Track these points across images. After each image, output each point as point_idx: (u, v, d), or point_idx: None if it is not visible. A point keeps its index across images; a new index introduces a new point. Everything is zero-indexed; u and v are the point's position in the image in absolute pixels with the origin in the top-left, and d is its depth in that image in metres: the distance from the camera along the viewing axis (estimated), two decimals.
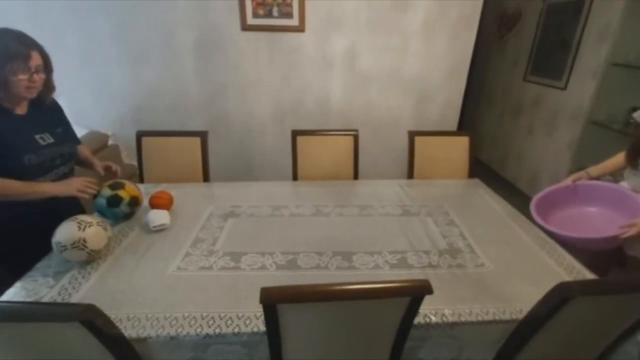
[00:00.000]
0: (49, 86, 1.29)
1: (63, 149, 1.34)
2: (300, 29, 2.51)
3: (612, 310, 0.92)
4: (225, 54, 2.59)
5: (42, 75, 1.21)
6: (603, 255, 1.47)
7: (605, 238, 1.23)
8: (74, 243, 1.09)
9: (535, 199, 1.47)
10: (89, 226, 1.13)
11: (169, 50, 2.55)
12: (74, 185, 1.27)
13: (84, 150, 1.53)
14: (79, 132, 2.47)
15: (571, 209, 1.47)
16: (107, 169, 1.51)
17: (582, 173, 1.51)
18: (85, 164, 1.53)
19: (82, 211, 1.41)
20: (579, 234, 1.27)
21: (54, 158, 1.30)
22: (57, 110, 1.40)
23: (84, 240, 1.10)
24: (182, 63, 2.60)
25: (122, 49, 2.53)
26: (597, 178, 1.51)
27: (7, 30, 1.13)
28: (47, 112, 1.34)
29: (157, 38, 2.50)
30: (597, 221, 1.42)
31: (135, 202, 1.41)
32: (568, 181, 1.50)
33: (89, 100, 2.66)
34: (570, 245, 1.32)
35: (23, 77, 1.14)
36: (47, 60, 1.23)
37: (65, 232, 1.10)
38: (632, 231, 1.20)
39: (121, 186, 1.38)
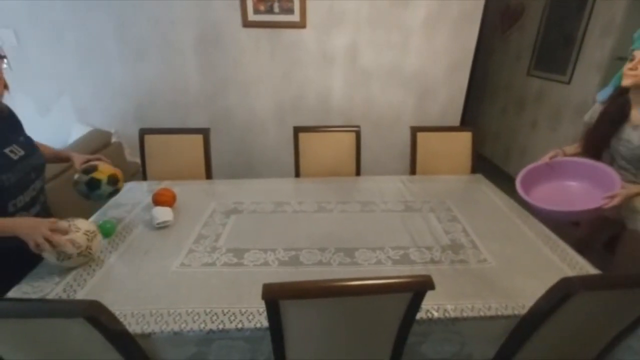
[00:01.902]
0: (3, 81, 1.09)
1: (34, 161, 1.19)
2: (301, 25, 2.50)
3: (615, 305, 0.92)
4: (226, 51, 2.58)
5: None
6: (595, 227, 1.63)
7: (590, 210, 1.29)
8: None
9: (518, 177, 1.52)
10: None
11: (170, 48, 2.55)
12: (38, 236, 0.99)
13: (46, 150, 1.34)
14: (82, 130, 2.51)
15: (550, 183, 1.56)
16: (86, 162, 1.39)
17: (558, 151, 1.58)
18: (57, 160, 1.40)
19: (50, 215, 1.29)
20: (562, 208, 1.33)
21: (29, 172, 1.16)
22: (12, 117, 1.22)
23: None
24: (183, 60, 2.60)
25: (123, 47, 2.53)
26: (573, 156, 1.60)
27: None
28: (5, 121, 1.17)
29: (157, 35, 2.50)
30: (575, 193, 1.51)
31: (114, 179, 1.38)
32: (545, 159, 1.56)
33: (91, 98, 2.67)
34: (554, 218, 1.42)
35: None
36: None
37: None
38: (614, 201, 1.25)
39: (94, 168, 1.34)
